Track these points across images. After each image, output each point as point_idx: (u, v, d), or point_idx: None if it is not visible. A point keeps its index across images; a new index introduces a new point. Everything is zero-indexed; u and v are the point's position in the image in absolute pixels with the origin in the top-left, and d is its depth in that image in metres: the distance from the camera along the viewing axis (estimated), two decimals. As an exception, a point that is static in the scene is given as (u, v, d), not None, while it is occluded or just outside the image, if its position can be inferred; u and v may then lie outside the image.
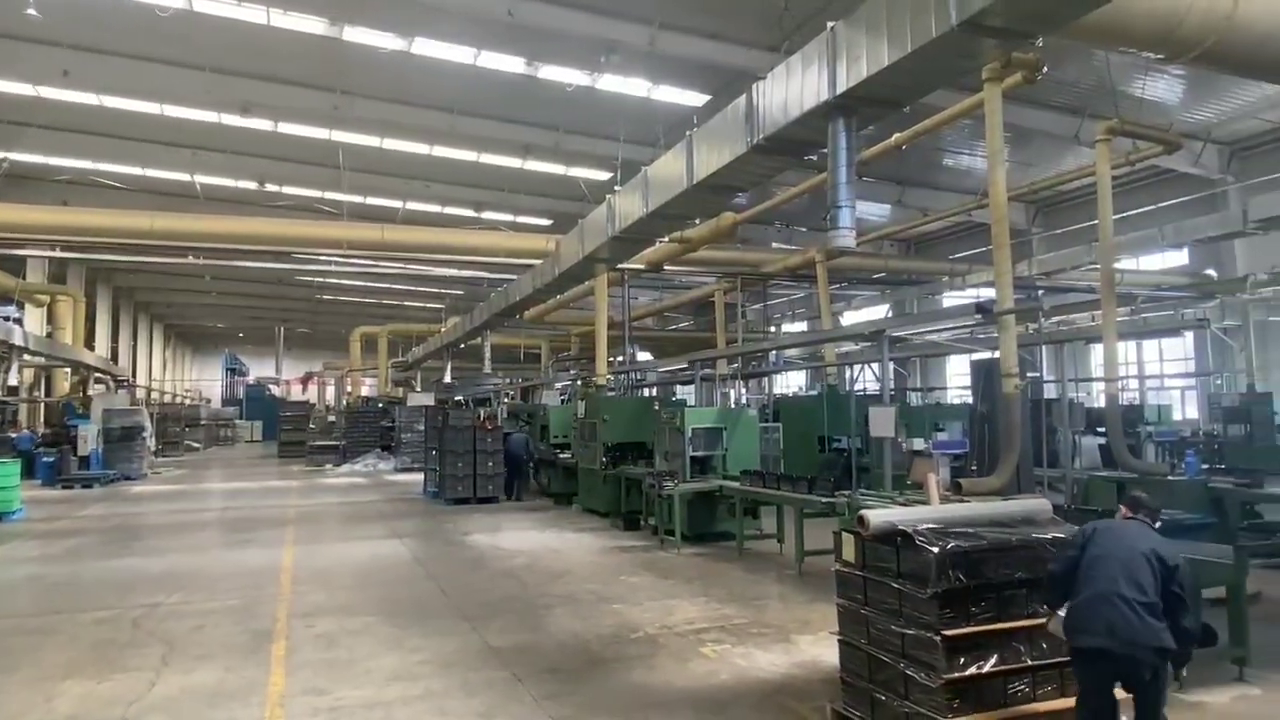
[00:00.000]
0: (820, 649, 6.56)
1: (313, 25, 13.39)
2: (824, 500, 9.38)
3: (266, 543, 12.64)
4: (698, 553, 11.33)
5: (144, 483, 23.00)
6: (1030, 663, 4.31)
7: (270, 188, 21.81)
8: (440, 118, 17.12)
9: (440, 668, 6.44)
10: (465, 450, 17.17)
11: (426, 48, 14.09)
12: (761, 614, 7.97)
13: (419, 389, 31.99)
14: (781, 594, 8.97)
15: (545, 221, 23.82)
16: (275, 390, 50.41)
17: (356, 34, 13.68)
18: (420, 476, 20.33)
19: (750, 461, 12.81)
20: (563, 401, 22.76)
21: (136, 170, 20.73)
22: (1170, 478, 10.56)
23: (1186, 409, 21.04)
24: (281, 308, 40.70)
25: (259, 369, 55.21)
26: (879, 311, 29.24)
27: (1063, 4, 5.08)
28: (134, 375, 35.74)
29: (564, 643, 7.10)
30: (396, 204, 23.19)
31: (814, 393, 24.63)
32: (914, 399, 24.04)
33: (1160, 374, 22.25)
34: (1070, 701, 4.42)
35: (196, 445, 39.28)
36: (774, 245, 24.82)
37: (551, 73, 14.91)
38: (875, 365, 14.15)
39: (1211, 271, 19.80)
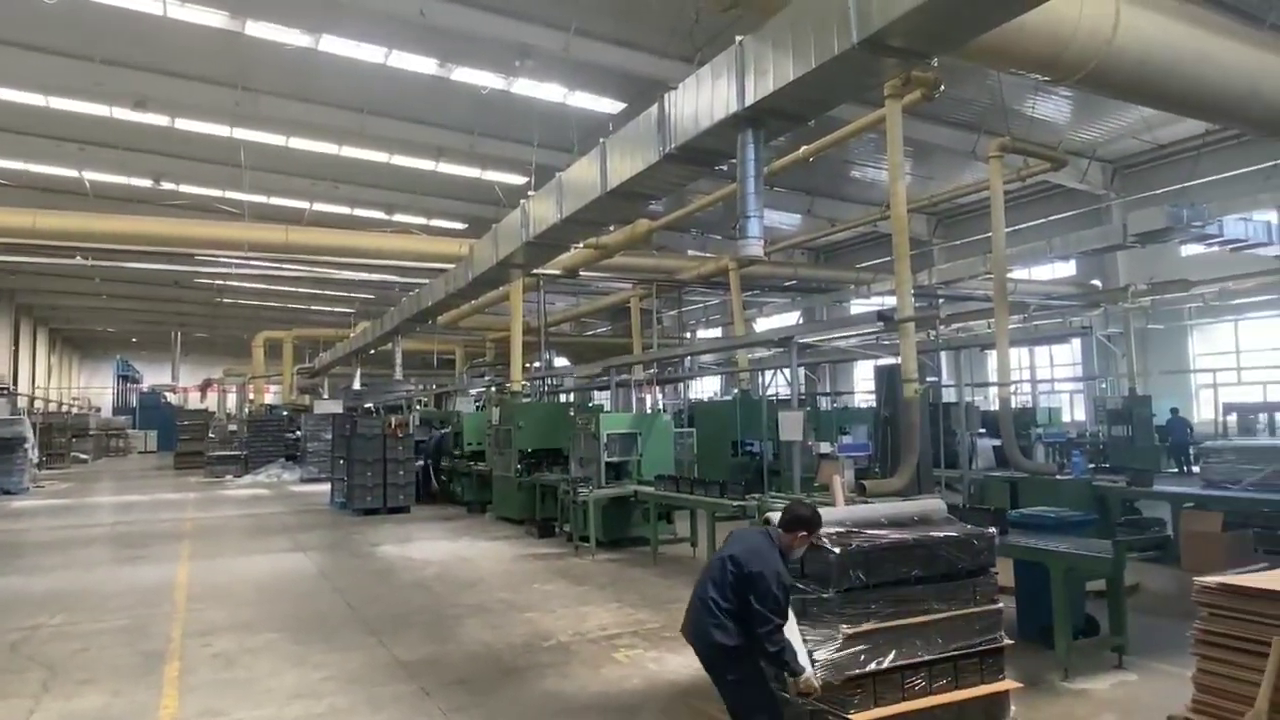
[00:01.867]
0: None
1: (213, 18, 12.83)
2: (735, 504, 9.52)
3: (160, 559, 12.04)
4: (612, 558, 11.35)
5: (26, 497, 21.58)
6: (926, 657, 4.47)
7: (166, 186, 20.75)
8: (349, 117, 16.66)
9: (345, 683, 6.26)
10: (375, 459, 16.73)
11: (334, 45, 13.68)
12: (674, 617, 7.98)
13: (326, 396, 30.99)
14: (694, 597, 9.06)
15: (460, 225, 23.45)
16: (171, 398, 48.06)
17: (260, 29, 13.18)
18: (327, 487, 19.72)
19: (665, 466, 12.92)
20: (478, 408, 22.46)
21: (18, 165, 19.43)
22: (1059, 477, 11.12)
23: (1075, 411, 22.27)
24: (178, 311, 38.79)
25: (154, 376, 52.48)
26: (790, 318, 29.95)
27: (957, 26, 5.31)
28: (14, 383, 33.39)
29: (474, 653, 7.01)
30: (303, 205, 22.41)
31: (728, 398, 24.99)
32: (824, 403, 24.68)
33: (1051, 378, 23.48)
34: (964, 693, 4.62)
35: (85, 457, 37.08)
36: (689, 252, 25.12)
37: (465, 75, 14.70)
38: (787, 370, 14.48)
39: (1096, 282, 21.05)
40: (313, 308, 35.86)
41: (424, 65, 14.41)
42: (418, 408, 25.67)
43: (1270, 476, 9.18)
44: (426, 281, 18.62)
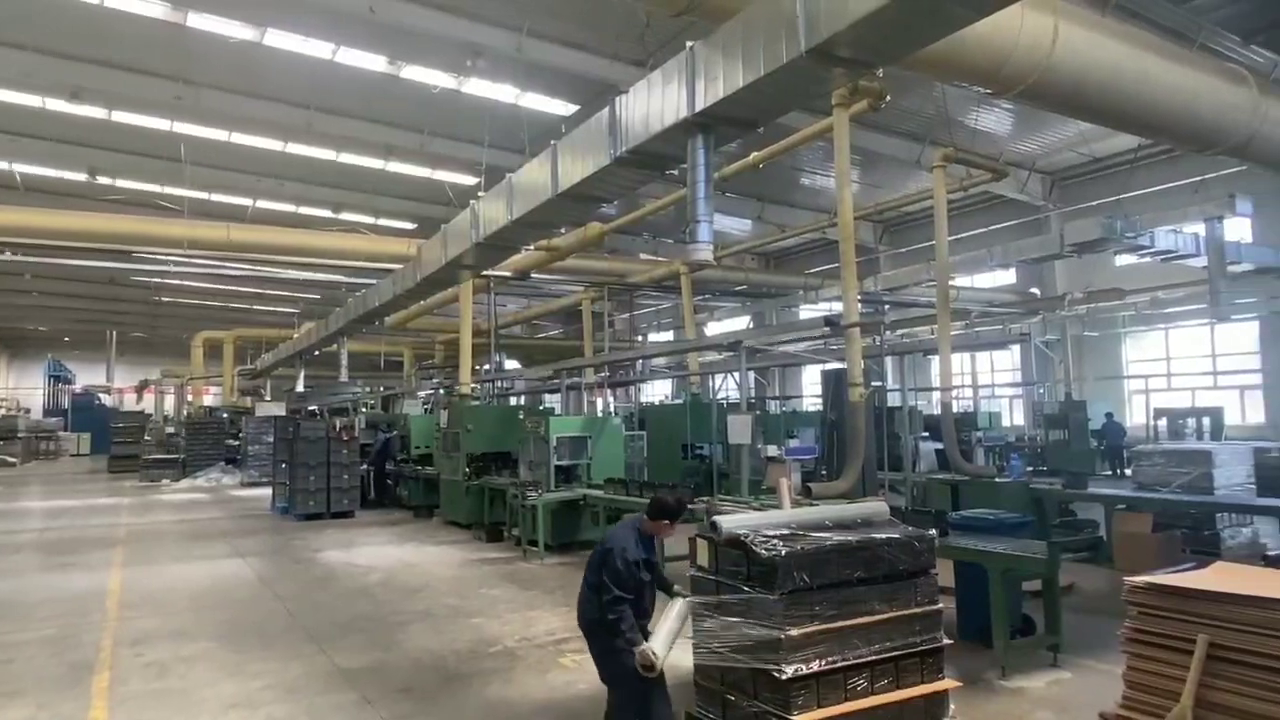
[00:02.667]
0: (677, 653, 6.65)
1: (153, 9, 12.44)
2: (684, 507, 9.55)
3: (92, 565, 11.62)
4: (561, 562, 11.29)
5: (-54, 502, 20.64)
6: (868, 658, 4.53)
7: (102, 180, 20.07)
8: (295, 113, 16.30)
9: (284, 693, 6.12)
10: (319, 463, 16.40)
11: (280, 40, 13.40)
12: (622, 621, 8.02)
13: (269, 398, 30.31)
14: (642, 601, 9.06)
15: (409, 225, 23.15)
16: (106, 399, 46.46)
17: (202, 21, 12.83)
18: (269, 491, 19.27)
19: (615, 469, 12.92)
20: (426, 411, 22.19)
21: (-58, 156, 18.66)
22: (998, 479, 11.40)
23: (1014, 416, 22.88)
24: (114, 310, 37.52)
25: (88, 376, 50.60)
26: (741, 322, 30.20)
27: (901, 37, 5.42)
28: (-64, 383, 32.05)
29: (419, 660, 6.90)
30: (246, 202, 21.88)
31: (679, 401, 25.09)
32: (773, 407, 24.94)
33: (991, 383, 24.09)
34: (905, 693, 4.69)
35: (13, 460, 35.61)
36: (642, 256, 25.15)
37: (415, 73, 14.51)
38: (737, 374, 14.58)
39: (1035, 290, 21.65)
40: (255, 307, 35.04)
41: (373, 62, 14.19)
42: (364, 410, 25.28)
43: (1197, 479, 9.54)
44: (374, 282, 18.34)
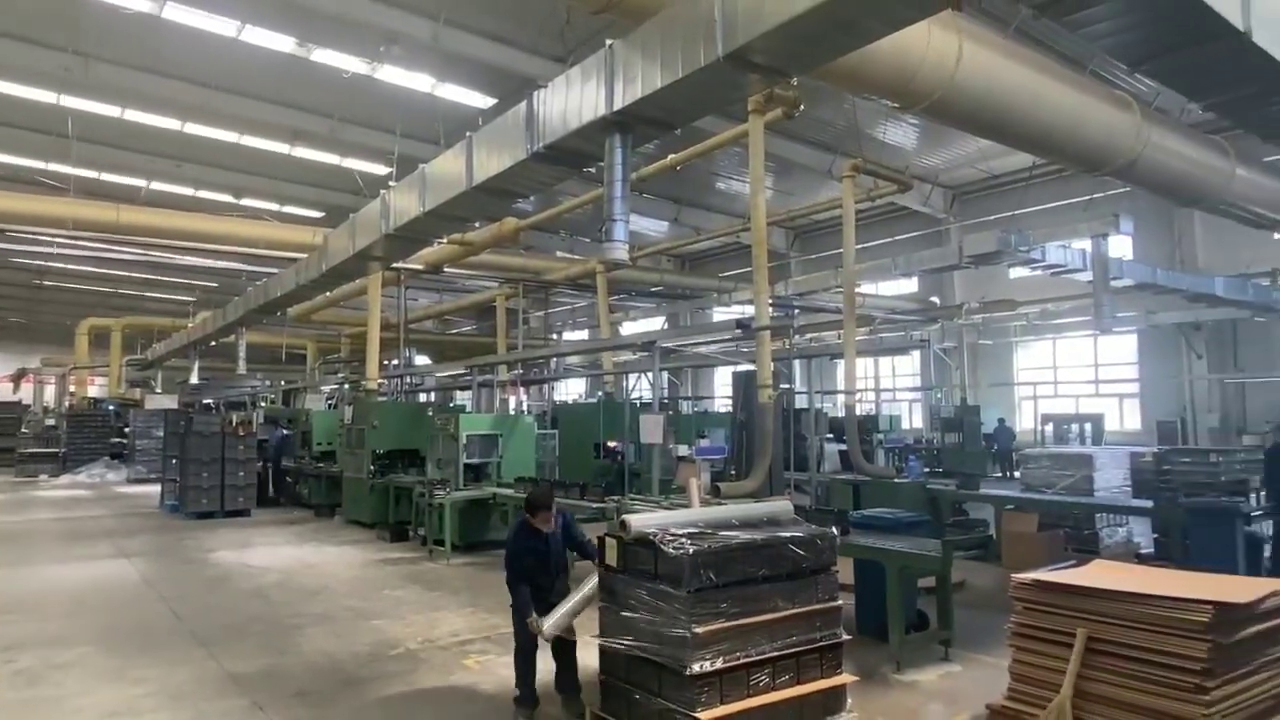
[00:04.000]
0: (584, 653, 6.63)
1: (38, -27, 11.70)
2: (595, 505, 9.56)
3: (-46, 567, 10.79)
4: (468, 562, 11.10)
5: None
6: (771, 654, 4.61)
7: (-23, 154, 18.73)
8: (195, 92, 15.55)
9: (168, 700, 5.80)
10: (212, 459, 15.64)
11: (180, 14, 12.73)
12: (529, 621, 7.94)
13: (159, 390, 28.82)
14: (550, 600, 8.99)
15: (315, 213, 22.39)
16: (-22, 389, 43.28)
17: (95, -11, 12.12)
18: (158, 488, 18.31)
19: (526, 468, 12.81)
20: (330, 406, 21.48)
21: None
22: (897, 480, 11.80)
23: (914, 419, 23.75)
24: (-11, 293, 35.05)
25: (-44, 363, 47.11)
26: (655, 323, 30.38)
27: (814, 47, 5.55)
28: None
29: (315, 664, 6.66)
30: (139, 183, 20.72)
31: (593, 400, 25.03)
32: (685, 407, 25.16)
33: (893, 388, 24.95)
34: (805, 688, 4.79)
35: None
36: (558, 254, 25.02)
37: (325, 56, 14.03)
38: (650, 374, 14.64)
39: (935, 299, 22.54)
40: (147, 295, 33.29)
41: (281, 43, 13.66)
42: (263, 405, 24.31)
43: (1079, 482, 10.11)
44: (276, 271, 17.65)
